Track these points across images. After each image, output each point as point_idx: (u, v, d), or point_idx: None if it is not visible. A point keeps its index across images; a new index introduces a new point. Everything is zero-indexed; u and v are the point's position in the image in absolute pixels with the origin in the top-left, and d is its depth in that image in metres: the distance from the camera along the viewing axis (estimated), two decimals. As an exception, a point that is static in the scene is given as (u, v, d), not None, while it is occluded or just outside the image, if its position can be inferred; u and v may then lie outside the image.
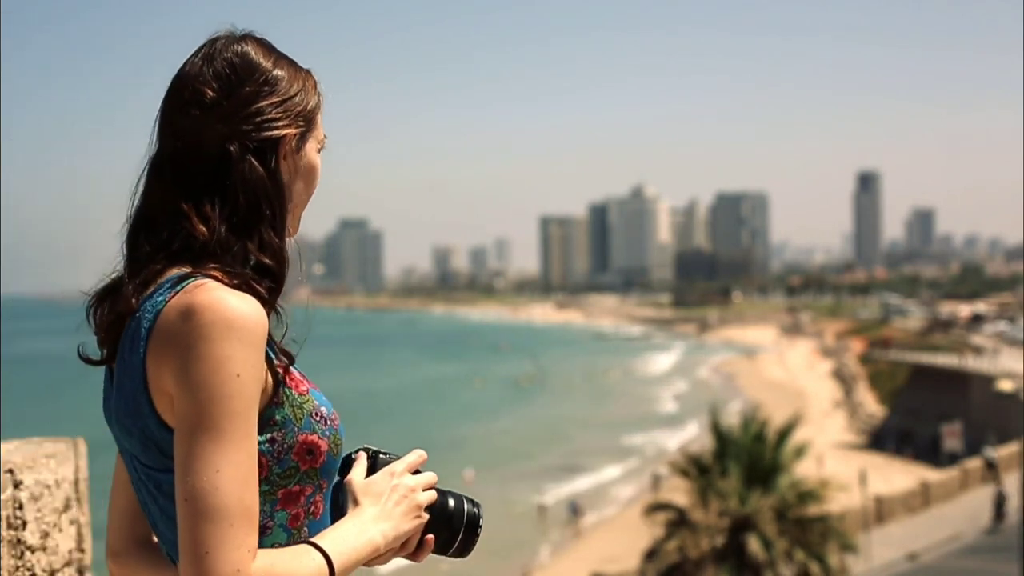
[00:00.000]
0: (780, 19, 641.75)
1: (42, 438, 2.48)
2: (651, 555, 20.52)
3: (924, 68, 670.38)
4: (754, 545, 19.27)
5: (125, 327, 1.33)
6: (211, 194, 1.34)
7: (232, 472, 1.21)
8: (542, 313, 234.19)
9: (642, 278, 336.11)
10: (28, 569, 2.24)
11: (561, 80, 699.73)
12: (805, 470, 23.97)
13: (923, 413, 48.22)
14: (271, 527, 1.33)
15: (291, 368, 1.36)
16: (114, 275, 1.39)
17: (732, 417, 30.24)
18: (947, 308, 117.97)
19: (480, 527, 1.47)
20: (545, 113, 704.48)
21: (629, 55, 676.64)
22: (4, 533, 2.19)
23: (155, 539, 1.43)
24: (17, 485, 2.23)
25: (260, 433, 1.28)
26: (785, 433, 21.76)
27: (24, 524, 2.24)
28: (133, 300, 1.30)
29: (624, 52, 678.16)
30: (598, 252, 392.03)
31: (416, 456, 1.46)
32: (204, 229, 1.32)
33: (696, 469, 21.17)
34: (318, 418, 1.35)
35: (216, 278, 1.29)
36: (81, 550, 2.48)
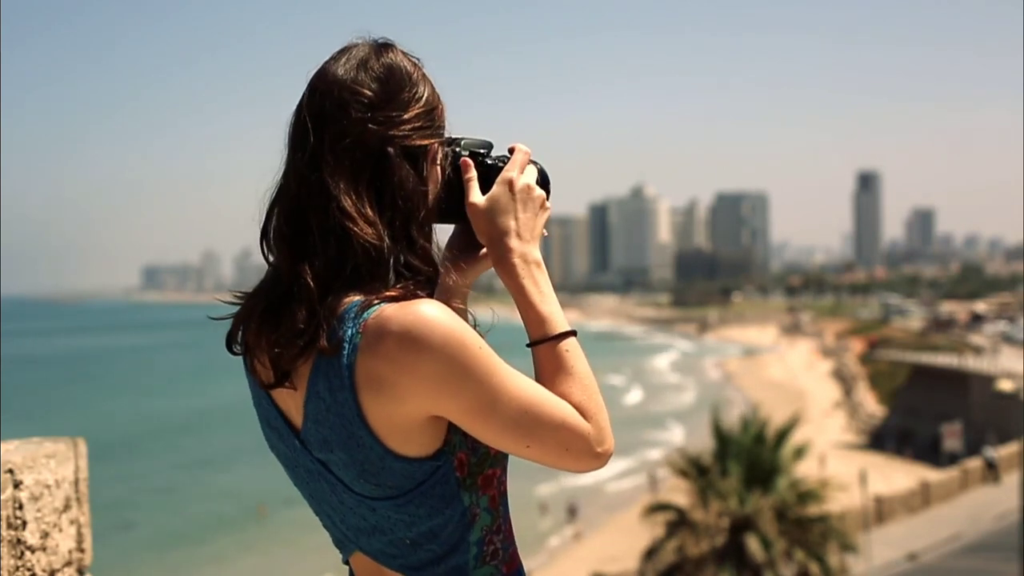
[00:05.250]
0: (780, 19, 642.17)
1: (42, 438, 2.47)
2: (651, 555, 20.54)
3: (924, 68, 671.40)
4: (754, 545, 19.28)
5: (308, 358, 1.32)
6: (370, 195, 1.36)
7: (531, 391, 1.34)
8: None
9: (642, 278, 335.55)
10: (28, 569, 2.24)
11: (561, 80, 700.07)
12: (805, 470, 23.95)
13: (923, 413, 48.21)
14: (478, 513, 1.38)
15: None
16: (265, 296, 1.37)
17: (732, 417, 30.21)
18: (947, 308, 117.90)
19: (549, 178, 1.55)
20: (545, 113, 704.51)
21: (629, 55, 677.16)
22: (4, 533, 2.19)
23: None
24: (17, 485, 2.23)
25: (456, 430, 1.34)
26: (785, 433, 21.76)
27: (24, 524, 2.24)
28: (325, 342, 1.29)
29: (624, 52, 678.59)
30: (598, 252, 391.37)
31: (523, 155, 1.50)
32: (371, 233, 1.33)
33: (695, 469, 21.16)
34: None
35: (392, 297, 1.31)
36: (81, 550, 2.47)
